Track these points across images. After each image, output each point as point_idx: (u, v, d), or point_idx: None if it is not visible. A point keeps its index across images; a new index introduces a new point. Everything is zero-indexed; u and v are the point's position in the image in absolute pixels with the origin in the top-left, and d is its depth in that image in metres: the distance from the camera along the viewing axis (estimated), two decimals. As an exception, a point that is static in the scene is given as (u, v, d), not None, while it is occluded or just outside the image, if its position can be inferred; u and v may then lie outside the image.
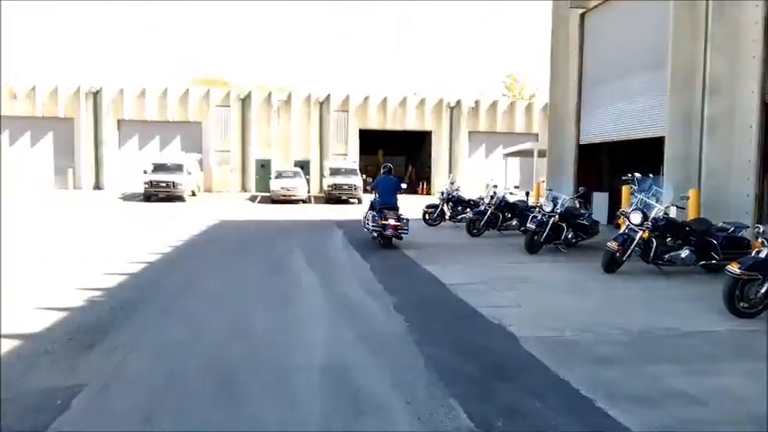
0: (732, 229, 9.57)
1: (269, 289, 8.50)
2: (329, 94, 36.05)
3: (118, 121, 35.19)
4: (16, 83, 34.88)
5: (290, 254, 11.86)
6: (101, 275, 9.11)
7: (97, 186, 34.81)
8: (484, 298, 7.86)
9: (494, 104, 37.65)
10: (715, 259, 9.31)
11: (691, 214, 11.02)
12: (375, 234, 12.77)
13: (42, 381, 4.70)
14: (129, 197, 30.10)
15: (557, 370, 5.12)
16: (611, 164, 18.34)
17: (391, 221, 12.37)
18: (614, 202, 15.67)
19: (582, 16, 17.40)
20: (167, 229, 15.82)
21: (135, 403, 4.31)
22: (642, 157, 15.83)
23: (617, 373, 5.09)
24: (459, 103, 36.99)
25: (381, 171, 13.83)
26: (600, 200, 17.13)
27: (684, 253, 9.41)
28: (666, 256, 9.49)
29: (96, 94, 34.77)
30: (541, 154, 21.65)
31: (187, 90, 35.85)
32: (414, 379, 4.91)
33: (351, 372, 5.06)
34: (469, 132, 37.10)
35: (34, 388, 4.53)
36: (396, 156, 40.60)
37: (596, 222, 12.85)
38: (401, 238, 12.66)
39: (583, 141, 17.48)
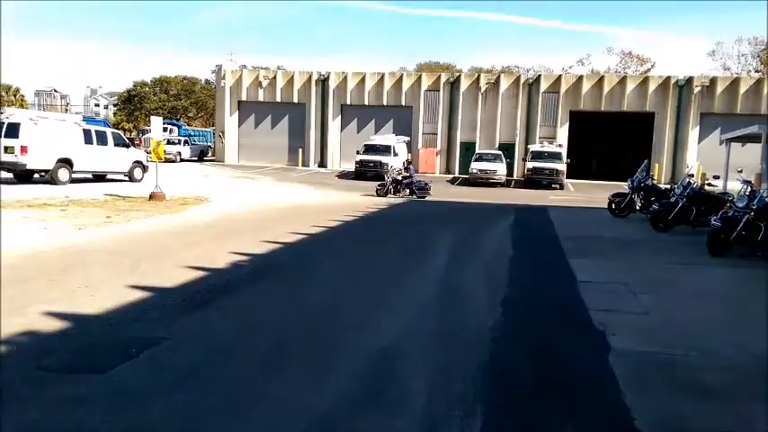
0: None
1: (390, 269, 8.61)
2: (539, 75, 34.62)
3: (341, 105, 38.29)
4: (262, 72, 40.09)
5: (441, 235, 11.80)
6: (259, 242, 10.17)
7: (322, 165, 38.46)
8: (609, 300, 6.96)
9: (735, 82, 32.32)
10: None
11: None
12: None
13: (138, 331, 5.44)
14: (344, 175, 32.74)
15: (628, 393, 4.35)
16: None
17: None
18: None
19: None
20: (355, 204, 16.89)
21: (189, 360, 4.77)
22: None
23: (704, 407, 4.14)
24: (689, 81, 32.52)
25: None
26: None
27: None
28: None
29: (324, 81, 38.19)
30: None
31: (401, 76, 37.48)
32: (451, 382, 4.46)
33: (394, 364, 4.85)
34: (701, 114, 32.45)
35: (125, 337, 5.28)
36: (611, 140, 37.52)
37: (815, 225, 10.34)
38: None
39: (828, 124, 14.14)
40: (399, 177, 21.43)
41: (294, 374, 4.57)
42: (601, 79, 34.03)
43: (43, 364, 4.50)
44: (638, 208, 15.42)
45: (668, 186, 15.11)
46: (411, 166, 22.45)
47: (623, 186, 16.77)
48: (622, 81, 33.66)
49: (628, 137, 36.17)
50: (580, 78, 34.19)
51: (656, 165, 31.92)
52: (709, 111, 32.45)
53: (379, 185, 21.76)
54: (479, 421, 3.88)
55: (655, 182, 15.42)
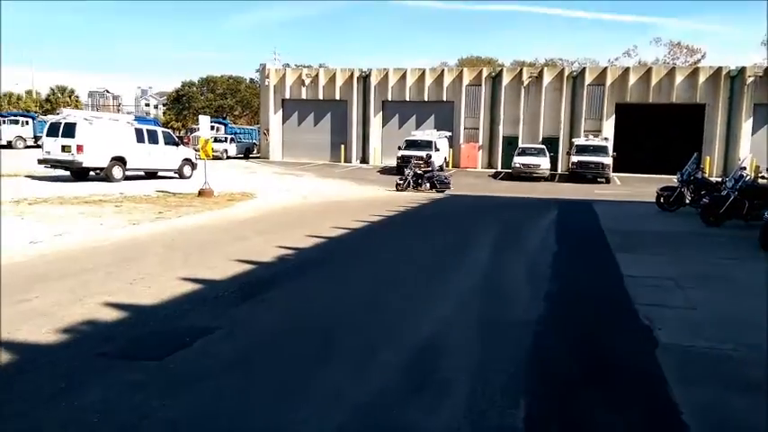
0: None
1: (432, 263, 8.68)
2: (584, 68, 33.90)
3: (382, 102, 38.34)
4: (305, 71, 40.52)
5: (484, 229, 11.78)
6: (304, 237, 10.36)
7: (364, 160, 38.63)
8: (656, 295, 6.85)
9: (791, 70, 30.89)
10: None
11: None
12: None
13: (191, 321, 5.67)
14: (385, 171, 32.84)
15: (674, 387, 4.31)
16: None
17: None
18: None
19: None
20: (396, 199, 17.00)
21: (239, 349, 4.95)
22: None
23: (752, 403, 4.07)
24: (742, 71, 31.25)
25: None
26: None
27: None
28: None
29: (366, 78, 38.31)
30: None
31: (442, 71, 37.30)
32: (495, 374, 4.49)
33: (437, 355, 4.91)
34: (755, 105, 31.16)
35: (180, 326, 5.52)
36: (659, 133, 36.47)
37: None
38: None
39: None
40: (420, 171, 21.29)
41: (339, 364, 4.69)
42: (648, 71, 33.07)
43: (103, 351, 4.76)
44: (687, 202, 15.01)
45: (719, 179, 14.60)
46: (432, 160, 22.29)
47: (672, 180, 16.36)
48: (671, 72, 32.64)
49: (677, 129, 35.03)
50: (626, 70, 33.31)
51: (707, 157, 30.82)
52: (763, 101, 31.13)
53: (399, 180, 21.48)
54: (523, 412, 3.93)
55: (705, 175, 14.96)
